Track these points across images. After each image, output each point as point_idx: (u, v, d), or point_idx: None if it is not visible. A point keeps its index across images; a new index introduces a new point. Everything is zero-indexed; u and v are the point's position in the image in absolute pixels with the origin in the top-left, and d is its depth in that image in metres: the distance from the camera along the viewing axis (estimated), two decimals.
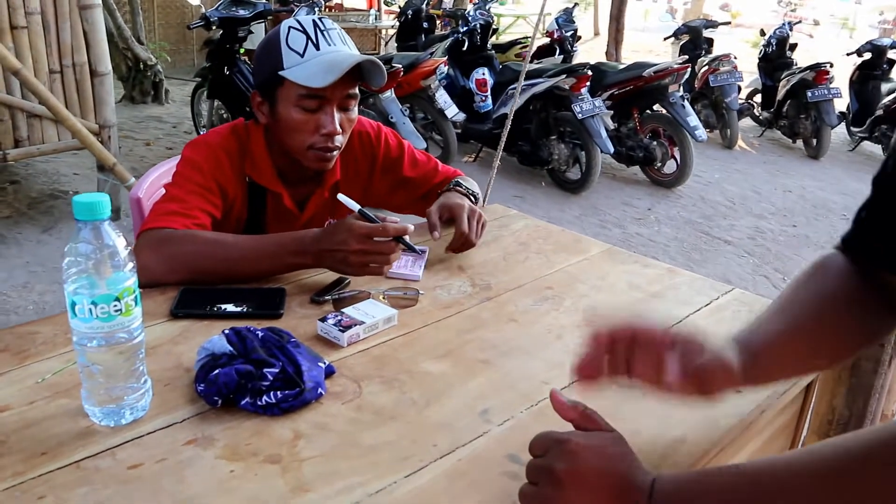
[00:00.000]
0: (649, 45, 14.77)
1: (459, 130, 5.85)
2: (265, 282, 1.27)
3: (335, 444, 0.85)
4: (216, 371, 0.90)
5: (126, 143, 5.89)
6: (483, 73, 6.06)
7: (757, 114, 7.84)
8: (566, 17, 7.02)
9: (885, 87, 7.33)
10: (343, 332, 1.08)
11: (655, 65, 5.44)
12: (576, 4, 7.69)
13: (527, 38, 7.69)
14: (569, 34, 6.86)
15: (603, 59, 9.60)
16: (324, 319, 1.11)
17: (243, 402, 0.90)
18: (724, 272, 4.33)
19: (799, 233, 5.12)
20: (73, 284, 0.82)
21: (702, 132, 5.39)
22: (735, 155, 7.13)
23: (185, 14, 9.59)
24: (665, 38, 8.40)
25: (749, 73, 7.95)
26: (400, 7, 8.02)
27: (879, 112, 6.87)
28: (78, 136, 3.81)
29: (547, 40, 7.16)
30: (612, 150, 5.16)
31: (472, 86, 6.10)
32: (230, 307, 1.16)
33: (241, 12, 4.72)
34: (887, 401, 1.42)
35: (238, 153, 1.43)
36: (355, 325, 1.10)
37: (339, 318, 1.11)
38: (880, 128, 6.88)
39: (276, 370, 0.92)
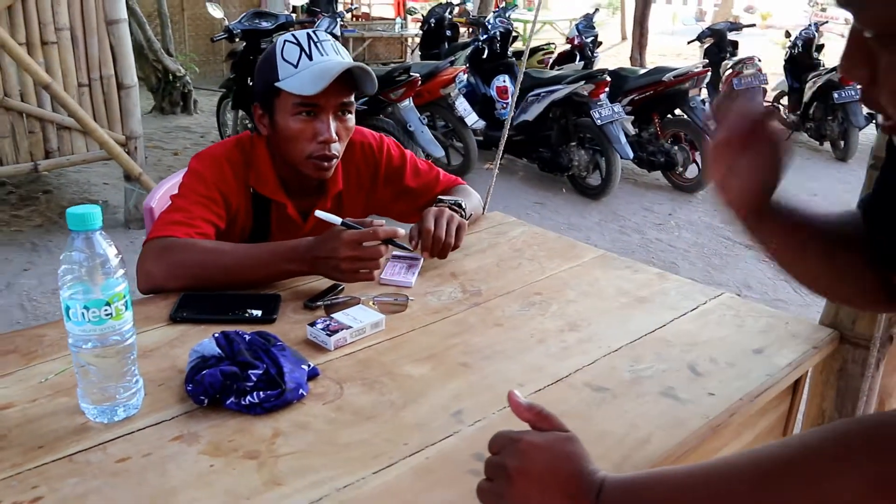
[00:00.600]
0: (677, 48, 14.68)
1: (481, 138, 5.90)
2: (262, 288, 1.33)
3: (312, 441, 0.90)
4: (203, 372, 0.96)
5: (155, 153, 6.04)
6: (504, 81, 6.10)
7: (784, 116, 7.76)
8: (586, 24, 7.03)
9: None
10: (330, 336, 1.13)
11: (675, 69, 5.43)
12: (596, 10, 7.68)
13: (549, 44, 7.71)
14: (589, 40, 6.87)
15: (628, 63, 9.61)
16: (313, 324, 1.16)
17: (228, 402, 0.95)
18: (745, 277, 4.31)
19: None
20: (69, 290, 0.88)
21: None
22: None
23: (215, 26, 9.77)
24: (689, 42, 8.36)
25: (777, 76, 7.88)
26: (423, 16, 8.09)
27: None
28: (105, 146, 3.94)
29: (568, 46, 7.17)
30: (631, 155, 5.16)
31: (493, 93, 6.14)
32: (226, 312, 1.22)
33: (264, 24, 4.83)
34: (878, 403, 1.43)
35: (242, 165, 1.49)
36: (342, 329, 1.15)
37: (328, 322, 1.16)
38: None
39: (260, 372, 0.97)
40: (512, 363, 1.12)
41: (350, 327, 1.16)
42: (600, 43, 7.38)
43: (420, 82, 4.84)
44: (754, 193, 0.87)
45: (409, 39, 11.69)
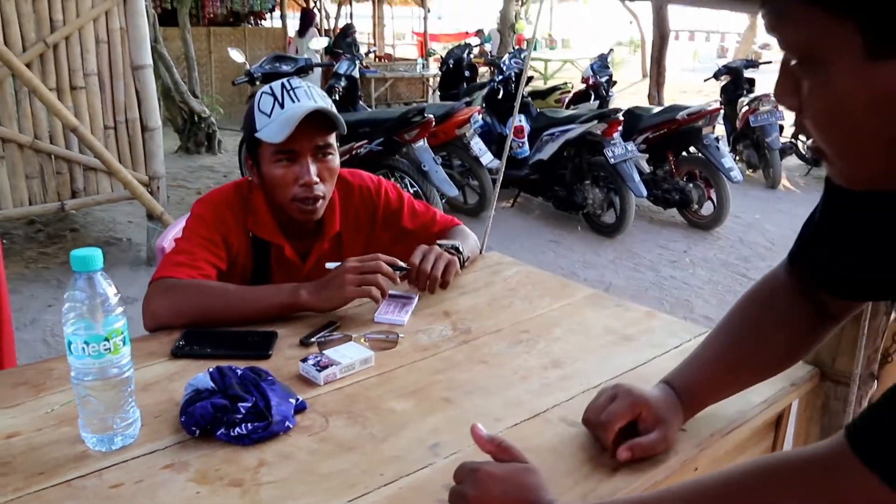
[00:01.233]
0: (698, 85, 14.75)
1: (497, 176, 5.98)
2: (262, 325, 1.39)
3: (294, 471, 0.96)
4: (195, 404, 1.02)
5: (179, 192, 6.21)
6: (520, 120, 6.20)
7: (803, 152, 7.76)
8: (601, 64, 7.15)
9: None
10: (320, 371, 1.19)
11: (688, 108, 5.50)
12: (611, 50, 7.81)
13: (566, 83, 7.84)
14: (604, 80, 6.98)
15: (646, 100, 9.71)
16: (305, 360, 1.22)
17: (219, 433, 1.01)
18: None
19: None
20: (72, 327, 0.95)
21: (737, 173, 5.40)
22: (778, 195, 7.06)
23: (241, 69, 10.09)
24: (706, 80, 8.44)
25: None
26: (442, 57, 8.28)
27: None
28: (129, 187, 4.09)
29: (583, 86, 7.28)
30: (644, 193, 5.21)
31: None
32: (224, 348, 1.29)
33: (284, 68, 4.99)
34: None
35: (241, 209, 1.57)
36: (332, 365, 1.21)
37: (319, 358, 1.22)
38: None
39: (249, 404, 1.03)
40: (493, 398, 1.17)
41: (340, 363, 1.22)
42: (615, 82, 7.49)
43: (434, 123, 4.95)
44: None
45: (431, 79, 11.92)
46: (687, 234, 5.75)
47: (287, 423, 1.04)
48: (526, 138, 6.18)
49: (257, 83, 4.91)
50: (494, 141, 6.14)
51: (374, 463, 0.98)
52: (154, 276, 1.42)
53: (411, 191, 4.85)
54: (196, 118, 7.48)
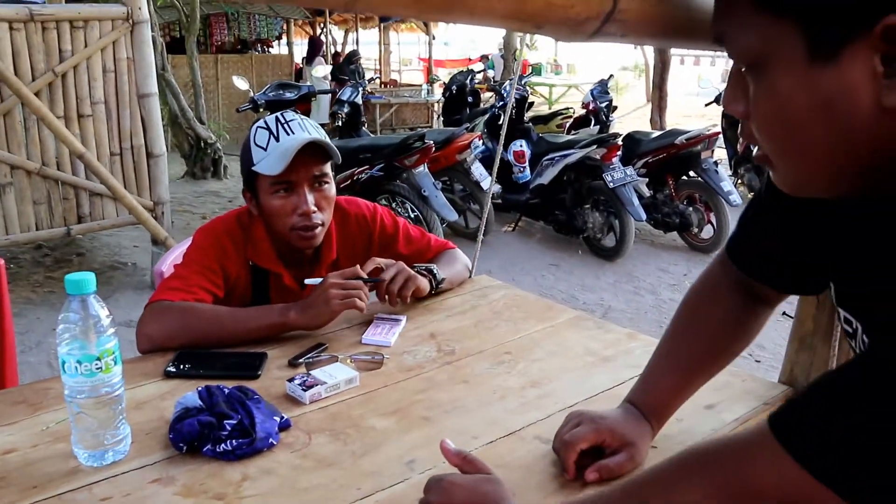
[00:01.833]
0: (701, 109, 14.84)
1: (499, 201, 6.06)
2: (252, 346, 1.44)
3: (275, 485, 1.00)
4: (183, 422, 1.07)
5: (184, 216, 6.30)
6: (521, 146, 6.28)
7: None
8: (601, 89, 7.25)
9: None
10: (306, 391, 1.24)
11: (687, 132, 5.56)
12: (611, 76, 7.91)
13: (568, 108, 7.93)
14: (603, 105, 7.06)
15: (649, 125, 9.79)
16: (292, 380, 1.27)
17: (205, 449, 1.06)
18: (759, 338, 4.30)
19: None
20: (66, 347, 1.00)
21: (736, 197, 5.44)
22: None
23: (245, 96, 10.25)
24: (706, 105, 8.52)
25: None
26: (445, 83, 8.40)
27: None
28: (133, 212, 4.17)
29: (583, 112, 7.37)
30: (644, 217, 5.25)
31: (511, 157, 6.32)
32: (214, 368, 1.34)
33: (287, 95, 5.09)
34: None
35: (241, 239, 1.62)
36: (318, 384, 1.26)
37: (305, 378, 1.27)
38: None
39: (234, 422, 1.08)
40: (471, 417, 1.21)
41: (325, 383, 1.26)
42: (615, 107, 7.57)
43: (435, 149, 5.03)
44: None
45: (436, 105, 12.06)
46: (688, 257, 5.78)
47: (270, 440, 1.08)
48: (527, 163, 6.25)
49: (261, 110, 5.01)
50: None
51: (352, 478, 1.03)
52: (149, 300, 1.48)
53: (412, 215, 4.91)
54: (202, 144, 7.60)
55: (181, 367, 1.34)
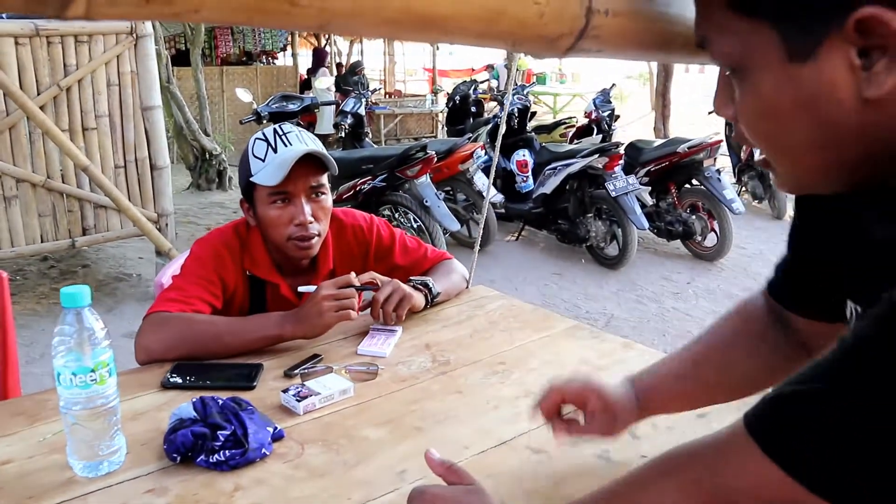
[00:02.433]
0: (705, 116, 14.86)
1: (502, 210, 6.08)
2: (249, 357, 1.46)
3: (266, 495, 1.02)
4: (177, 432, 1.08)
5: (189, 228, 6.33)
6: (523, 155, 6.30)
7: None
8: (603, 98, 7.27)
9: None
10: (300, 401, 1.25)
11: (689, 140, 5.57)
12: (613, 85, 7.92)
13: (571, 118, 7.95)
14: (606, 114, 7.08)
15: (653, 133, 9.80)
16: (286, 391, 1.28)
17: (199, 459, 1.07)
18: None
19: None
20: (61, 359, 1.02)
21: (739, 205, 5.44)
22: (784, 225, 7.07)
23: (249, 108, 10.32)
24: (709, 113, 8.52)
25: None
26: (448, 94, 8.44)
27: None
28: (137, 224, 4.20)
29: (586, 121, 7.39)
30: (646, 225, 5.26)
31: (513, 167, 6.34)
32: (211, 379, 1.35)
33: (290, 107, 5.12)
34: None
35: (239, 249, 1.64)
36: (312, 395, 1.27)
37: (300, 389, 1.28)
38: None
39: (228, 433, 1.09)
40: (463, 427, 1.22)
41: (319, 394, 1.28)
42: (618, 116, 7.59)
43: (437, 159, 5.05)
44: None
45: (440, 115, 12.10)
46: (691, 265, 5.78)
47: (263, 451, 1.10)
48: (530, 172, 6.27)
49: (264, 122, 5.04)
50: (498, 175, 6.23)
51: (343, 488, 1.04)
52: (147, 312, 1.49)
53: (414, 226, 4.93)
54: (207, 155, 7.64)
55: (178, 378, 1.35)
